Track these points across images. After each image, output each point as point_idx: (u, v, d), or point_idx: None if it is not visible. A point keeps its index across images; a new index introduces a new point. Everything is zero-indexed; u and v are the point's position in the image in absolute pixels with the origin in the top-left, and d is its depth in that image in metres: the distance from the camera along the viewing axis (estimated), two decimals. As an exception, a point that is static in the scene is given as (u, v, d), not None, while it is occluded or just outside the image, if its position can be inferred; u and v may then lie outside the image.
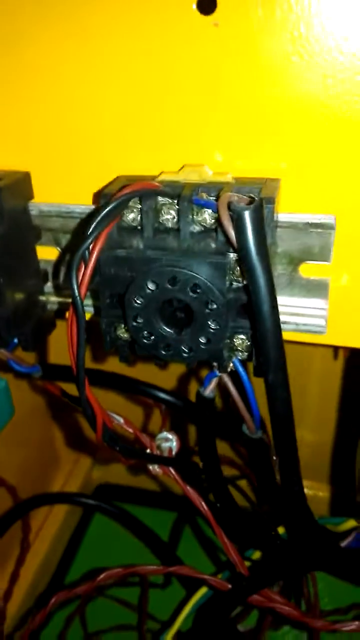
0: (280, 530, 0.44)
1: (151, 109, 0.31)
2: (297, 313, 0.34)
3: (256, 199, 0.26)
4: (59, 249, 0.37)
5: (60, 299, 0.38)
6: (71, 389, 0.45)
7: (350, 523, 0.40)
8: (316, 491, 0.74)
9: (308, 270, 0.33)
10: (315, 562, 0.36)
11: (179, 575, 0.59)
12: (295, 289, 0.34)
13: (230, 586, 0.42)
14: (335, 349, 0.55)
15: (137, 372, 0.46)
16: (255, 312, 0.26)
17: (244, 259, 0.25)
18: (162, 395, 0.43)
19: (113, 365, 0.42)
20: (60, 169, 0.34)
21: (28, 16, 0.30)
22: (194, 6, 0.28)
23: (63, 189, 0.34)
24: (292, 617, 0.41)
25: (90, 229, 0.27)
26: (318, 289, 0.33)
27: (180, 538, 0.75)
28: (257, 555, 0.50)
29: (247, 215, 0.25)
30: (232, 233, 0.26)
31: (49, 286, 0.38)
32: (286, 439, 0.29)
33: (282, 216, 0.31)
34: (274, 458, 0.31)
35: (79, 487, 0.82)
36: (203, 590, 0.53)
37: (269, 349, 0.27)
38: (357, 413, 0.62)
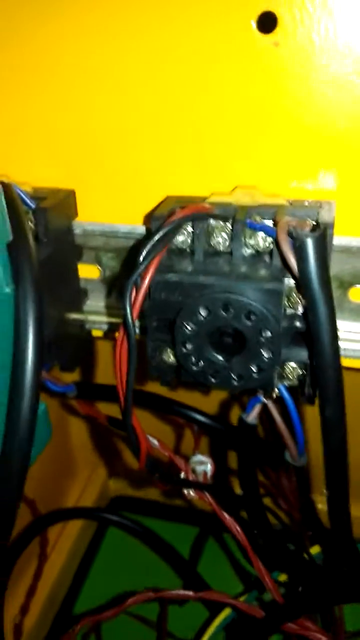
0: (313, 551, 0.43)
1: (204, 128, 0.30)
2: (346, 338, 0.33)
3: (317, 224, 0.25)
4: (100, 268, 0.36)
5: (100, 318, 0.37)
6: (106, 408, 0.44)
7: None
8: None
9: (357, 294, 0.32)
10: (355, 593, 0.35)
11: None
12: (344, 313, 0.33)
13: (263, 613, 0.41)
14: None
15: (169, 391, 0.46)
16: (315, 342, 0.25)
17: (305, 287, 0.24)
18: (200, 417, 0.42)
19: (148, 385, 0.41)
20: (105, 187, 0.33)
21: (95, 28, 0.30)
22: (254, 25, 0.27)
23: (108, 208, 0.33)
24: (326, 646, 0.40)
25: (144, 254, 0.26)
26: (368, 313, 0.32)
27: (201, 554, 0.74)
28: (282, 577, 0.49)
29: (310, 242, 0.24)
30: (292, 260, 0.25)
31: (88, 305, 0.37)
32: (338, 474, 0.28)
33: (336, 240, 0.30)
34: (324, 491, 0.29)
35: (94, 499, 0.81)
36: (226, 612, 0.52)
37: (328, 382, 0.26)
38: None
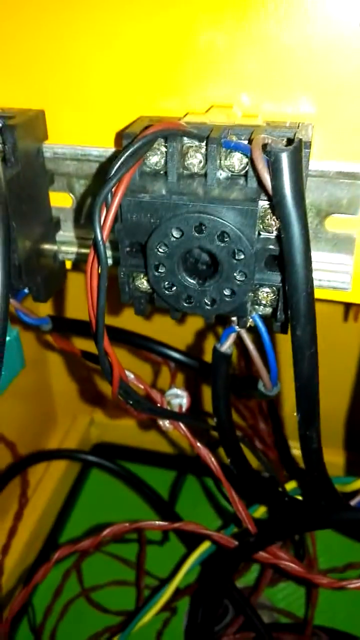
0: (288, 487, 0.44)
1: (178, 42, 0.29)
2: (322, 269, 0.33)
3: (294, 140, 0.24)
4: (73, 197, 0.35)
5: (72, 249, 0.36)
6: (80, 344, 0.44)
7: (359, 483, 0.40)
8: (331, 457, 0.73)
9: (334, 224, 0.32)
10: (326, 519, 0.36)
11: (183, 532, 0.59)
12: (320, 243, 0.32)
13: (236, 543, 0.42)
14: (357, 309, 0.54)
15: (147, 330, 0.45)
16: (288, 261, 0.25)
17: (279, 204, 0.24)
18: (174, 354, 0.42)
19: (123, 322, 0.41)
20: (76, 107, 0.32)
21: None
22: None
23: (79, 130, 0.32)
24: (297, 574, 0.41)
25: (114, 170, 0.25)
26: (344, 243, 0.32)
27: (178, 495, 0.75)
28: (260, 511, 0.51)
29: (285, 157, 0.23)
30: (266, 177, 0.24)
31: (61, 235, 0.36)
32: (309, 396, 0.29)
33: (313, 164, 0.30)
34: (295, 414, 0.30)
35: (76, 445, 0.82)
36: (204, 546, 0.54)
37: (300, 301, 0.25)
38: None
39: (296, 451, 0.64)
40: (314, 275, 0.33)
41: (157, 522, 0.42)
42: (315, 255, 0.33)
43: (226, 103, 0.30)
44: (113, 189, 0.25)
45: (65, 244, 0.36)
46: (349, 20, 0.27)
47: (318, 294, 0.33)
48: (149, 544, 0.71)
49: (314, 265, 0.32)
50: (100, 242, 0.25)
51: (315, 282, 0.33)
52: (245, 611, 0.53)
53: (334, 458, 0.73)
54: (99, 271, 0.26)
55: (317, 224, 0.32)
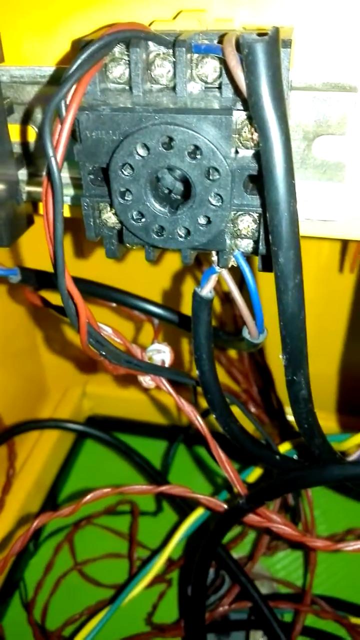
0: (282, 448, 0.41)
1: None
2: (310, 199, 0.30)
3: (270, 31, 0.21)
4: (36, 129, 0.32)
5: (38, 189, 0.33)
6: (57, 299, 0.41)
7: (356, 439, 0.37)
8: (325, 421, 0.71)
9: (323, 149, 0.29)
10: (318, 475, 0.34)
11: (176, 501, 0.56)
12: (308, 171, 0.29)
13: (225, 506, 0.40)
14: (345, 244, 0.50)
15: (122, 283, 0.42)
16: (266, 174, 0.22)
17: (255, 106, 0.21)
18: (152, 308, 0.39)
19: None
20: (34, 23, 0.28)
21: None
22: None
23: (40, 49, 0.29)
24: (290, 537, 0.39)
25: (68, 73, 0.22)
26: (334, 170, 0.29)
27: (171, 465, 0.73)
28: (256, 474, 0.48)
29: (259, 48, 0.20)
30: (240, 75, 0.21)
31: (23, 173, 0.33)
32: (295, 334, 0.26)
33: (297, 75, 0.26)
34: (280, 357, 0.27)
35: (68, 417, 0.79)
36: (196, 513, 0.51)
37: (281, 221, 0.22)
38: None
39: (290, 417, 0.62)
40: (303, 206, 0.30)
41: (140, 486, 0.40)
42: (303, 184, 0.30)
43: (197, 8, 0.26)
44: (68, 100, 0.22)
45: (31, 184, 0.33)
46: None
47: (307, 228, 0.31)
48: (143, 515, 0.69)
49: (301, 196, 0.30)
50: (52, 159, 0.22)
51: (304, 214, 0.30)
52: (240, 580, 0.51)
53: (326, 423, 0.70)
54: (53, 195, 0.23)
55: (304, 148, 0.29)
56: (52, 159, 0.22)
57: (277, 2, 0.26)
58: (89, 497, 0.40)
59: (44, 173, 0.23)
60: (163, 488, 0.39)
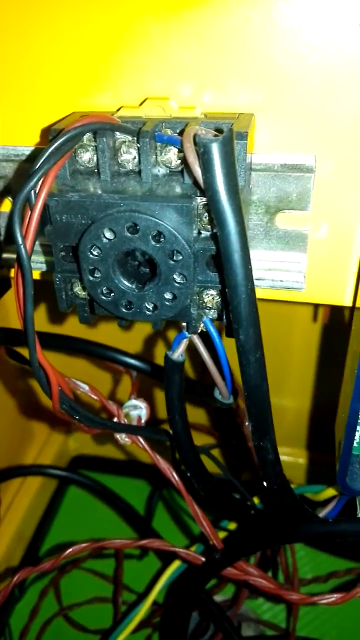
0: (256, 500, 0.42)
1: (106, 34, 0.27)
2: (274, 268, 0.31)
3: (225, 130, 0.22)
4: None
5: (13, 255, 0.34)
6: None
7: (329, 492, 0.38)
8: (296, 458, 0.72)
9: (285, 220, 0.30)
10: (291, 533, 0.34)
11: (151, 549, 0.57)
12: (272, 242, 0.31)
13: (203, 559, 0.40)
14: (315, 307, 0.52)
15: (98, 337, 0.43)
16: (224, 261, 0.23)
17: (211, 199, 0.22)
18: (130, 360, 0.40)
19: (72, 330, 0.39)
20: (4, 105, 0.30)
21: None
22: None
23: (9, 129, 0.30)
24: (267, 590, 0.39)
25: (36, 167, 0.23)
26: (296, 240, 0.30)
27: (155, 509, 0.73)
28: (233, 526, 0.48)
29: (214, 148, 0.21)
30: (198, 170, 0.22)
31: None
32: (259, 404, 0.27)
33: (257, 158, 0.28)
34: (246, 424, 0.28)
35: (53, 459, 0.79)
36: (178, 562, 0.51)
37: (240, 303, 0.24)
38: (337, 377, 0.59)
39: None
40: (268, 275, 0.31)
41: (120, 540, 0.40)
42: (267, 254, 0.31)
43: (162, 95, 0.28)
44: (37, 188, 0.24)
45: (7, 252, 0.34)
46: (292, 6, 0.25)
47: (273, 294, 0.32)
48: (128, 559, 0.69)
49: (266, 265, 0.31)
50: (21, 246, 0.23)
51: (269, 283, 0.31)
52: (223, 626, 0.51)
53: (299, 460, 0.70)
54: (23, 280, 0.24)
55: (267, 221, 0.30)
56: (22, 247, 0.23)
57: (236, 88, 0.28)
58: (68, 551, 0.40)
59: (15, 257, 0.24)
60: (142, 542, 0.40)
